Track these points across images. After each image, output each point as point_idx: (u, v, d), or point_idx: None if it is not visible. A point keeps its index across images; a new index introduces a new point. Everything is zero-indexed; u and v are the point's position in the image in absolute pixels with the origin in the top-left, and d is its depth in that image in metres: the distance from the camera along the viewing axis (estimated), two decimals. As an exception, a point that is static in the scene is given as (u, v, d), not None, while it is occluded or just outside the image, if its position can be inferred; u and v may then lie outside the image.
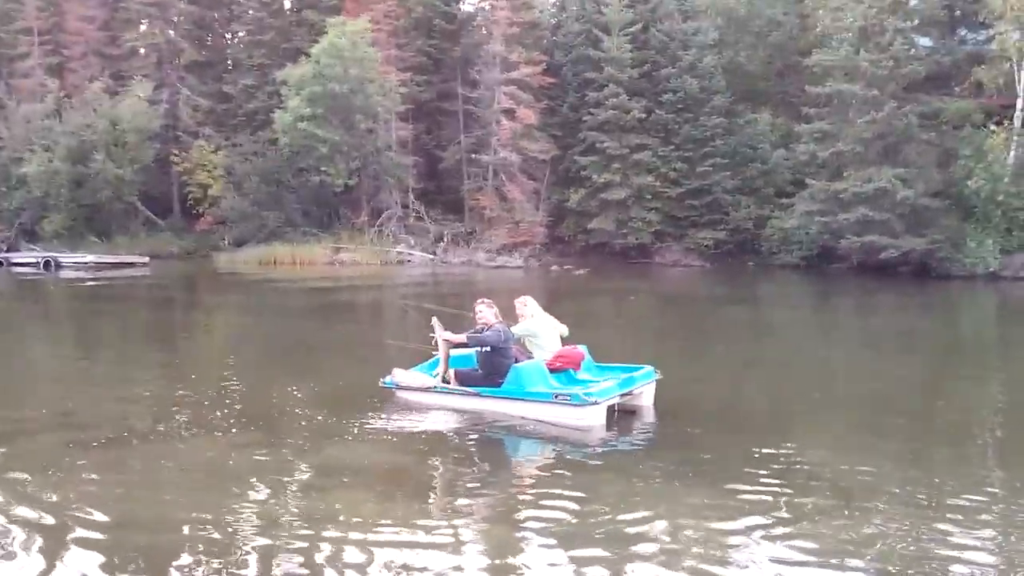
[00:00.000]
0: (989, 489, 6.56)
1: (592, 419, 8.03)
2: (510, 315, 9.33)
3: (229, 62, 42.80)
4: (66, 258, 32.93)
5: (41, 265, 32.01)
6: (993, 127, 28.67)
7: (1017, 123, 28.50)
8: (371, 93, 34.18)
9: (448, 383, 8.79)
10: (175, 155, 38.63)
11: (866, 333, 17.14)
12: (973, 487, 6.49)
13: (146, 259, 33.34)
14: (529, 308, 9.29)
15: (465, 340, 8.70)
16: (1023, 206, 28.10)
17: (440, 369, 8.72)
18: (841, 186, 29.14)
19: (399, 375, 9.05)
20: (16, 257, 33.98)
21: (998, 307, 23.35)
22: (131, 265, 32.41)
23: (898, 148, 29.24)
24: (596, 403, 8.03)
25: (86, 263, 32.20)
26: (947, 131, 30.24)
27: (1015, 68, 28.58)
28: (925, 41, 31.79)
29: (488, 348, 8.58)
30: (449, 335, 8.77)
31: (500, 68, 35.73)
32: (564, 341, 9.18)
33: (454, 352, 9.12)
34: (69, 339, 15.98)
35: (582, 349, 9.06)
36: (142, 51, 41.38)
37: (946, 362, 13.64)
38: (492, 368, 8.57)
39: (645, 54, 35.76)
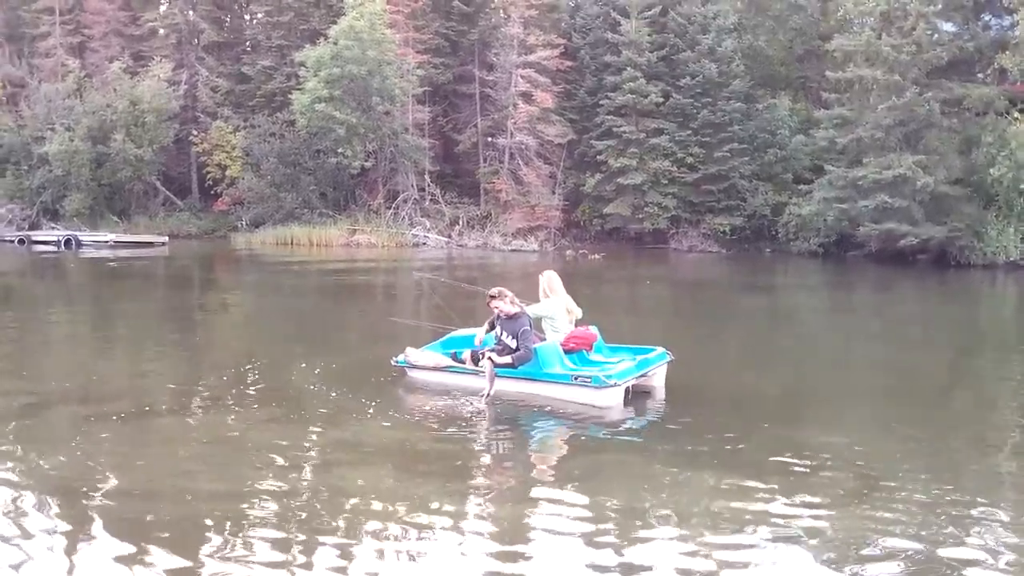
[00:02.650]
0: (1007, 474, 6.54)
1: (611, 400, 8.08)
2: (523, 296, 9.34)
3: (248, 43, 42.82)
4: (86, 236, 33.32)
5: (62, 243, 32.37)
6: (1016, 114, 28.29)
7: (1041, 111, 28.13)
8: (388, 75, 34.18)
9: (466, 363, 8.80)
10: (194, 136, 38.84)
11: (884, 321, 17.04)
12: (991, 476, 6.48)
13: (165, 238, 33.68)
14: (553, 287, 9.27)
15: (511, 361, 8.40)
16: (1045, 195, 27.78)
17: (488, 390, 8.25)
18: (860, 173, 28.85)
19: (412, 354, 9.07)
20: (37, 235, 34.37)
21: (1019, 296, 23.15)
22: (150, 244, 32.75)
23: (919, 135, 28.90)
24: (615, 385, 8.07)
25: (106, 242, 32.58)
26: (969, 118, 29.85)
27: (1040, 55, 28.14)
28: (948, 26, 31.30)
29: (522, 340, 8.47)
30: (496, 357, 8.41)
31: (517, 51, 35.61)
32: (577, 323, 9.22)
33: (465, 332, 9.21)
34: (89, 316, 16.17)
35: (594, 330, 9.10)
36: (162, 31, 41.54)
37: (965, 350, 13.54)
38: (511, 350, 8.56)
39: (664, 37, 35.49)
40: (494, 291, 8.78)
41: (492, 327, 8.93)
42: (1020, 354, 13.25)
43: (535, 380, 8.35)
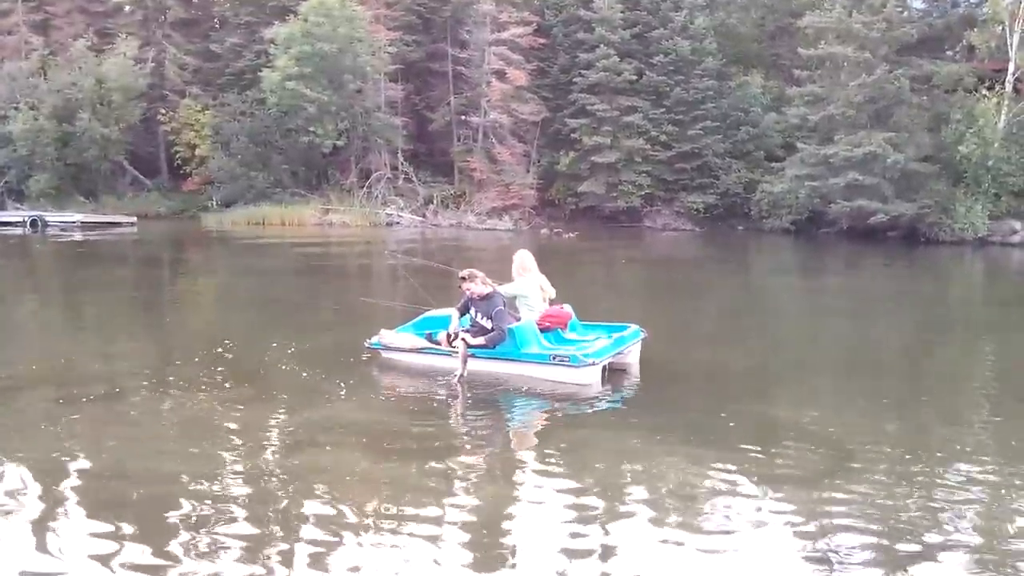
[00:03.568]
0: (976, 448, 6.64)
1: (589, 379, 8.10)
2: (497, 275, 9.32)
3: (216, 20, 42.10)
4: (53, 217, 32.69)
5: (27, 224, 31.75)
6: (984, 91, 28.62)
7: (1008, 88, 28.49)
8: (360, 52, 33.80)
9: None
10: (162, 114, 38.21)
11: (855, 297, 17.24)
12: (960, 447, 6.58)
13: (133, 219, 33.16)
14: (526, 266, 9.23)
15: (485, 342, 8.37)
16: (1012, 171, 28.22)
17: (460, 370, 8.19)
18: (831, 150, 29.12)
19: (387, 336, 9.01)
20: (2, 216, 33.65)
21: (986, 271, 23.53)
22: (118, 225, 32.24)
23: (889, 112, 29.19)
24: (593, 364, 8.09)
25: (73, 222, 32.00)
26: (938, 95, 30.20)
27: (1007, 32, 28.48)
28: (918, 3, 31.63)
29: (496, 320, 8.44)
30: (470, 337, 8.37)
31: (490, 28, 35.36)
32: (550, 302, 9.21)
33: (439, 312, 9.16)
34: (57, 297, 15.92)
35: (568, 309, 9.10)
36: (127, 8, 40.70)
37: (934, 325, 13.75)
38: (486, 331, 8.50)
39: (636, 15, 35.43)
40: (465, 273, 8.69)
41: (463, 311, 8.83)
42: (986, 329, 13.48)
43: (513, 360, 8.32)
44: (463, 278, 8.65)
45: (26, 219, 32.23)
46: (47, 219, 32.35)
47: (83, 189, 37.11)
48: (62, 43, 38.87)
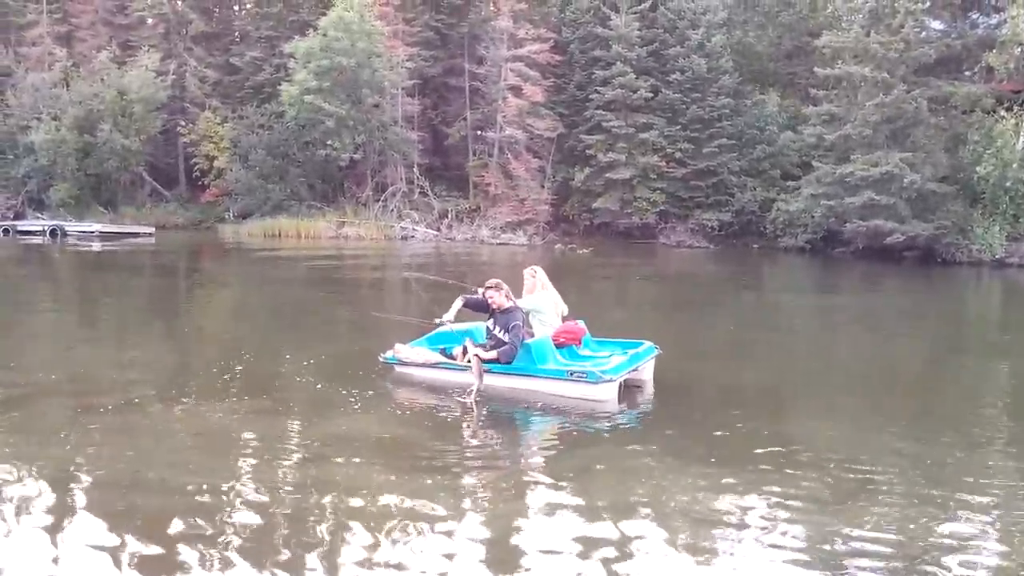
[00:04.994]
0: (994, 471, 6.58)
1: (607, 395, 8.10)
2: (512, 289, 9.34)
3: (237, 34, 42.65)
4: (72, 227, 33.10)
5: (47, 233, 32.16)
6: (1003, 113, 28.47)
7: (1027, 109, 28.31)
8: (378, 67, 34.10)
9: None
10: (182, 126, 38.63)
11: (870, 316, 17.14)
12: (976, 470, 6.51)
13: (151, 229, 33.53)
14: (538, 279, 9.28)
15: (497, 357, 8.39)
16: (1031, 193, 27.99)
17: (476, 385, 8.22)
18: (848, 169, 29.00)
19: (402, 350, 9.03)
20: (23, 225, 34.13)
21: (1004, 293, 23.31)
22: (136, 235, 32.62)
23: (906, 132, 29.07)
24: (611, 380, 8.09)
25: (92, 232, 32.37)
26: (956, 116, 30.03)
27: (1026, 53, 28.35)
28: (936, 24, 31.50)
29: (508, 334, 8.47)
30: (482, 352, 8.45)
31: (507, 44, 35.58)
32: (563, 318, 9.23)
33: (457, 327, 9.19)
34: (75, 306, 16.09)
35: (582, 325, 9.12)
36: (150, 21, 41.28)
37: (950, 346, 13.63)
38: (502, 344, 8.53)
39: (653, 32, 35.56)
40: (491, 282, 8.74)
41: (468, 303, 8.84)
42: (1003, 350, 13.35)
43: (530, 375, 8.32)
44: (489, 287, 8.70)
45: (46, 228, 32.66)
46: (67, 228, 32.78)
47: (103, 199, 37.54)
48: (85, 55, 39.46)
